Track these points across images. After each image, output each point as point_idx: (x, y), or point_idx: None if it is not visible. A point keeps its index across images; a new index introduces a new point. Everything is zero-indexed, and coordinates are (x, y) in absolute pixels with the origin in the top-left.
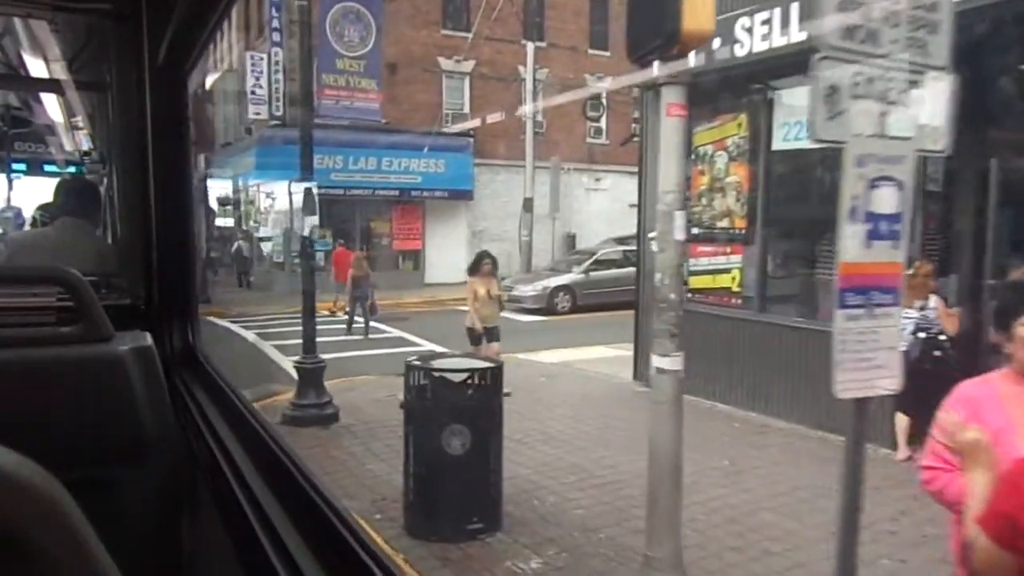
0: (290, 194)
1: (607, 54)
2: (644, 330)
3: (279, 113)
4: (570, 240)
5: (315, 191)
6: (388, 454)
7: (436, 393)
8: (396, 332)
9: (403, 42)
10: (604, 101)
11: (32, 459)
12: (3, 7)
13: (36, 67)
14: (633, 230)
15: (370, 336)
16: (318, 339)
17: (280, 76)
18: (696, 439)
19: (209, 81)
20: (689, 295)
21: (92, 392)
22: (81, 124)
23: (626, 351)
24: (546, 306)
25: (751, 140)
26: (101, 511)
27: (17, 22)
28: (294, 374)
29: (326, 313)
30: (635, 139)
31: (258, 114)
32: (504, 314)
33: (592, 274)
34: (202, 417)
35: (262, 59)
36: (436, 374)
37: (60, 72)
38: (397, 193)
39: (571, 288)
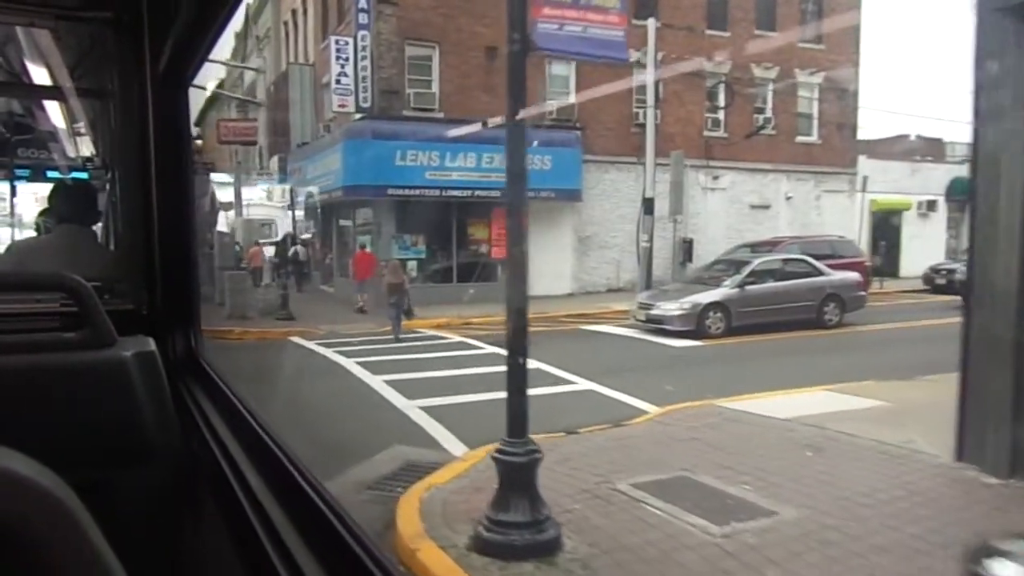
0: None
1: (726, 35)
2: (976, 375)
3: (367, 104)
4: (686, 246)
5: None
6: None
7: None
8: (528, 361)
9: (502, 21)
10: (724, 87)
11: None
12: (6, 16)
13: (39, 74)
14: (757, 235)
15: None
16: (403, 375)
17: (368, 63)
18: None
19: (279, 78)
20: None
21: (96, 397)
22: (84, 130)
23: (871, 401)
24: (695, 327)
25: None
26: (104, 514)
27: (19, 30)
28: (430, 429)
29: (430, 330)
30: (762, 132)
31: (343, 106)
32: (647, 337)
33: (748, 288)
34: (204, 421)
35: (347, 44)
36: None
37: (63, 79)
38: (498, 194)
39: (724, 306)
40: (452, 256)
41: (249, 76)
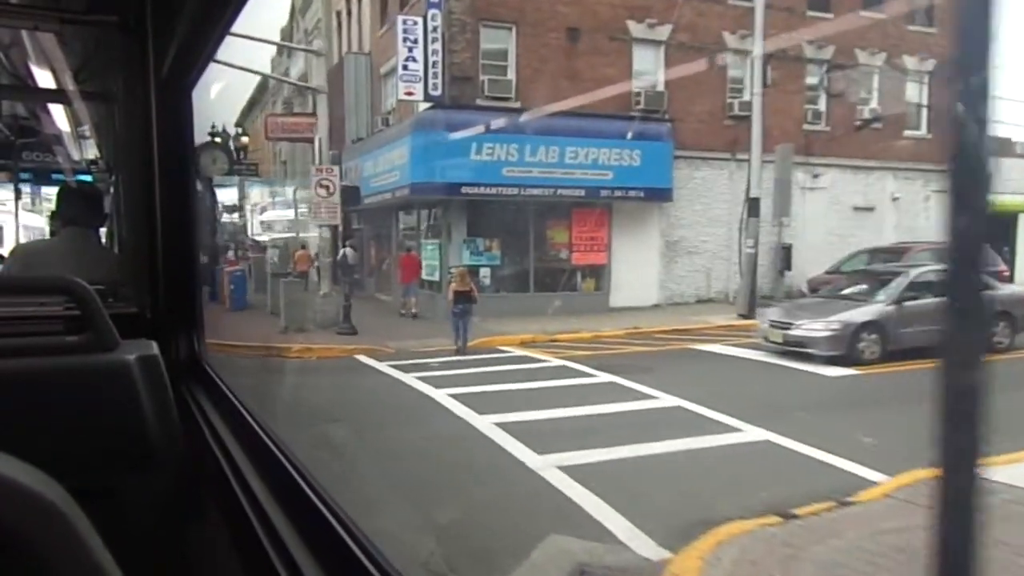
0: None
1: (829, 16)
2: None
3: (436, 92)
4: (785, 253)
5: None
6: None
7: None
8: (661, 395)
9: (586, 1)
10: (828, 75)
11: (39, 467)
12: (12, 20)
13: (44, 78)
14: (861, 240)
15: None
16: (516, 415)
17: (439, 45)
18: None
19: (332, 70)
20: None
21: (98, 400)
22: (88, 134)
23: None
24: (846, 352)
25: None
26: (107, 518)
27: (25, 34)
28: (586, 504)
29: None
30: (873, 125)
31: (410, 94)
32: (782, 362)
33: (906, 305)
34: (207, 425)
35: (416, 24)
36: None
37: (67, 83)
38: (583, 193)
39: (880, 325)
40: (528, 262)
41: (295, 71)
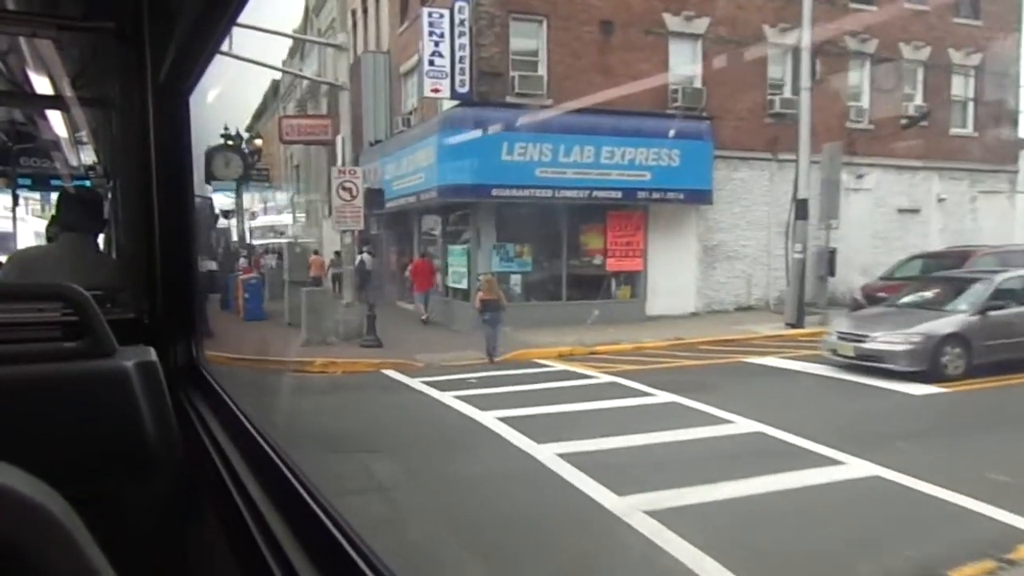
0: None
1: (872, 8)
2: None
3: (464, 89)
4: (829, 257)
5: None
6: None
7: None
8: (735, 419)
9: None
10: (875, 69)
11: (37, 474)
12: (8, 27)
13: (41, 84)
14: (906, 243)
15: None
16: (578, 443)
17: (466, 40)
18: None
19: (349, 69)
20: None
21: (96, 407)
22: (86, 139)
23: None
24: (929, 367)
25: None
26: (105, 525)
27: (23, 41)
28: (699, 567)
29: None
30: (919, 123)
31: (437, 91)
32: (854, 378)
33: (991, 315)
34: (205, 431)
35: (442, 17)
36: None
37: (65, 89)
38: (619, 195)
39: (964, 338)
40: (561, 269)
41: (308, 73)
